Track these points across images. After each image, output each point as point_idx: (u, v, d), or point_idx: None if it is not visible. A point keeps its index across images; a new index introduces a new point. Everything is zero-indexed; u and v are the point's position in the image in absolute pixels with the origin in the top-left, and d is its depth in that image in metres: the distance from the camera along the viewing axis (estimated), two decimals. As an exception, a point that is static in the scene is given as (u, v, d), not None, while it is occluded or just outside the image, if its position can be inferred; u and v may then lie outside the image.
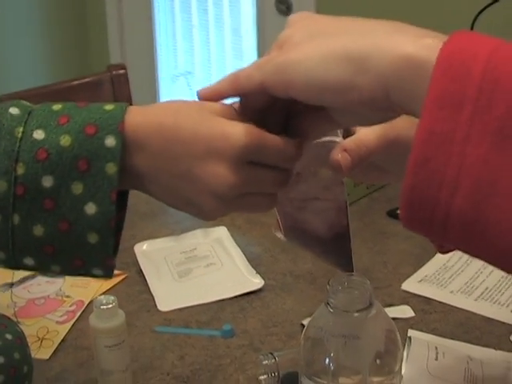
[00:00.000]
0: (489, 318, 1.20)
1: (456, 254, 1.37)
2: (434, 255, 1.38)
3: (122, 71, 2.07)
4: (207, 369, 1.11)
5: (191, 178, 0.68)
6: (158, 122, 0.68)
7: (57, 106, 0.70)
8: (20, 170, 0.66)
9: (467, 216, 0.52)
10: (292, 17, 0.66)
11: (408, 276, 1.32)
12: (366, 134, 0.76)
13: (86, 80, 2.06)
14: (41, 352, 1.15)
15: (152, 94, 3.41)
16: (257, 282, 1.30)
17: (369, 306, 0.74)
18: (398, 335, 0.77)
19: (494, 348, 1.12)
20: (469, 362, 1.04)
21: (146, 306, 1.27)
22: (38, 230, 0.67)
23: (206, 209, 0.69)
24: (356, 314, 0.74)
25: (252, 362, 1.11)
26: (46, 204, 0.67)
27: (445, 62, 0.52)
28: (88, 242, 0.68)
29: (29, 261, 0.70)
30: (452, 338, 1.14)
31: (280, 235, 0.81)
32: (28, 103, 0.71)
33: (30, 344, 1.05)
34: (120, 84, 2.07)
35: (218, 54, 3.28)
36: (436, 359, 1.03)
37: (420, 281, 1.30)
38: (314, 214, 0.80)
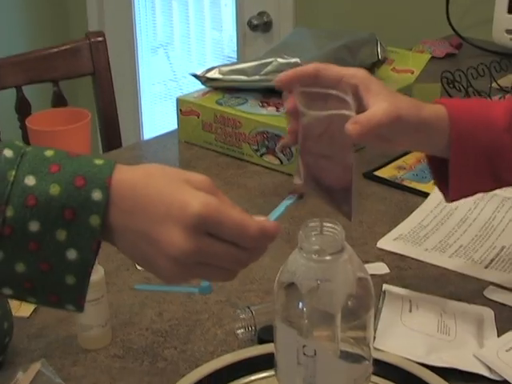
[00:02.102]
0: (463, 274, 1.22)
1: (431, 214, 1.39)
2: (409, 215, 1.40)
3: (100, 38, 2.07)
4: (185, 324, 1.12)
5: (150, 239, 0.72)
6: (133, 181, 0.73)
7: (49, 152, 0.73)
8: (9, 213, 0.70)
9: None
10: None
11: (383, 234, 1.34)
12: (375, 111, 0.92)
13: (65, 47, 2.05)
14: (21, 310, 1.16)
15: (131, 64, 3.40)
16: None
17: (341, 250, 0.76)
18: (370, 281, 0.79)
19: (468, 302, 1.14)
20: (442, 314, 1.06)
21: (125, 264, 1.28)
22: (20, 267, 0.72)
23: (163, 271, 0.75)
24: (328, 258, 0.75)
25: (229, 317, 1.13)
26: (31, 246, 0.71)
27: None
28: (66, 282, 0.73)
29: (7, 291, 0.74)
30: (426, 293, 1.16)
31: (298, 181, 0.94)
32: (21, 144, 0.74)
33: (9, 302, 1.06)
34: (98, 52, 2.07)
35: (197, 26, 3.28)
36: (410, 311, 1.05)
37: (395, 239, 1.32)
38: (328, 169, 0.95)
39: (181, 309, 1.16)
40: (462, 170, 1.00)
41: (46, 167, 0.71)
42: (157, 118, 3.54)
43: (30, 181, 0.70)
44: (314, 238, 0.77)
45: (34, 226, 0.70)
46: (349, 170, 0.91)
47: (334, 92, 0.89)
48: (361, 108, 0.94)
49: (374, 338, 1.01)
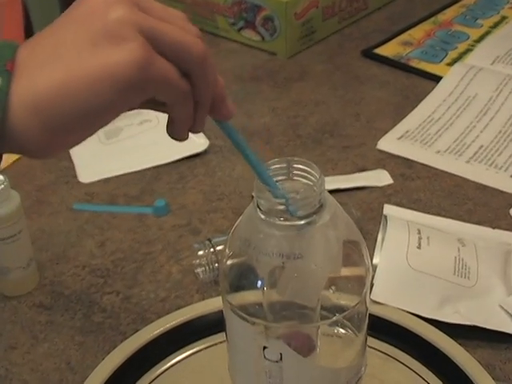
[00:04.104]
0: (484, 186, 0.97)
1: (444, 104, 1.12)
2: (416, 105, 1.13)
3: None
4: (132, 259, 0.89)
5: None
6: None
7: None
8: None
9: None
10: None
11: (385, 132, 1.08)
12: None
13: None
14: None
15: None
16: (200, 143, 1.06)
17: (319, 208, 0.50)
18: (365, 248, 0.54)
19: (491, 226, 0.89)
20: (460, 248, 0.82)
21: (64, 176, 1.03)
22: None
23: (113, 16, 0.48)
24: (299, 223, 0.49)
25: (188, 249, 0.89)
26: None
27: None
28: None
29: None
30: (438, 214, 0.92)
31: None
32: None
33: None
34: None
35: None
36: (419, 247, 0.81)
37: (400, 137, 1.06)
38: None
39: (128, 237, 0.92)
40: None
41: None
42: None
43: None
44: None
45: None
46: None
47: None
48: None
49: (372, 286, 0.78)
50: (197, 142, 1.06)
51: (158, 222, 0.94)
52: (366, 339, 0.57)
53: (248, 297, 0.52)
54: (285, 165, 0.52)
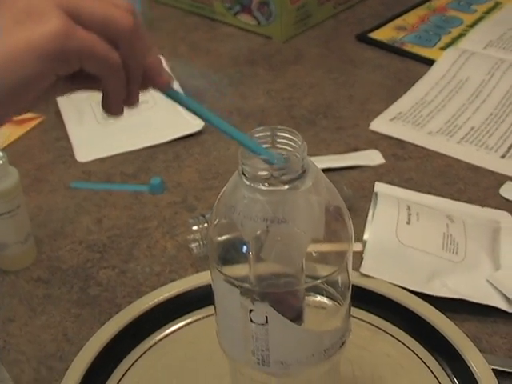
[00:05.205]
0: (474, 166, 0.99)
1: (436, 86, 1.14)
2: (410, 88, 1.15)
3: None
4: (128, 235, 0.90)
5: None
6: None
7: None
8: None
9: None
10: None
11: (378, 113, 1.10)
12: None
13: None
14: None
15: None
16: (196, 124, 1.07)
17: (301, 174, 0.52)
18: (347, 213, 0.55)
19: (481, 205, 0.91)
20: (449, 224, 0.84)
21: (62, 155, 1.05)
22: None
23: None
24: (283, 188, 0.51)
25: (183, 225, 0.91)
26: None
27: None
28: None
29: None
30: (429, 193, 0.93)
31: None
32: None
33: None
34: None
35: None
36: (408, 223, 0.83)
37: (392, 119, 1.08)
38: None
39: (125, 214, 0.94)
40: None
41: None
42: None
43: None
44: (260, 158, 0.52)
45: None
46: None
47: None
48: None
49: (362, 260, 0.79)
50: (192, 123, 1.07)
51: (153, 200, 0.96)
52: (350, 307, 0.59)
53: (234, 261, 0.54)
54: (269, 133, 0.54)
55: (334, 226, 0.54)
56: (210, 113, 0.54)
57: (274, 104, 1.13)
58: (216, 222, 0.54)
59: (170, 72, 0.56)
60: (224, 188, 0.54)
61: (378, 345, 0.73)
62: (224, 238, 0.54)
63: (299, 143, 0.52)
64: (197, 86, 1.19)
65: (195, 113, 0.55)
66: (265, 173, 0.51)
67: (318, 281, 0.54)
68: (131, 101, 0.55)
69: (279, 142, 0.53)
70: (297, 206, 0.51)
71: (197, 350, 0.73)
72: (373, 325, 0.75)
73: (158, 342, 0.74)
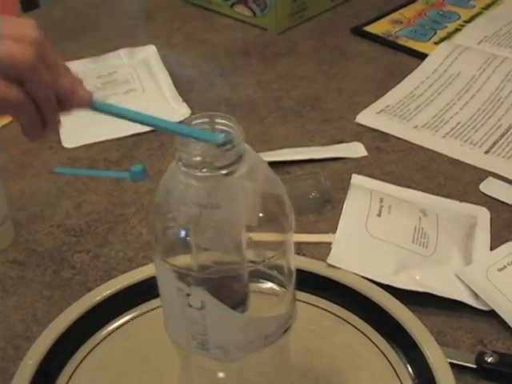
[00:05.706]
0: (457, 161, 0.98)
1: (427, 81, 1.14)
2: (401, 81, 1.15)
3: None
4: (105, 220, 0.91)
5: None
6: None
7: None
8: None
9: None
10: None
11: (366, 106, 1.09)
12: None
13: None
14: None
15: None
16: (182, 113, 1.08)
17: (236, 160, 0.52)
18: (286, 200, 0.55)
19: (459, 199, 0.91)
20: (421, 218, 0.84)
21: (49, 141, 1.06)
22: None
23: None
24: (217, 173, 0.51)
25: (161, 213, 0.91)
26: None
27: None
28: None
29: None
30: (409, 187, 0.93)
31: None
32: None
33: None
34: None
35: None
36: (379, 215, 0.83)
37: (379, 112, 1.08)
38: None
39: (104, 199, 0.94)
40: None
41: None
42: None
43: None
44: (195, 144, 0.52)
45: None
46: None
47: None
48: None
49: (330, 250, 0.80)
50: (179, 112, 1.08)
51: (134, 187, 0.96)
52: (295, 293, 0.59)
53: (172, 245, 0.54)
54: (207, 119, 0.54)
55: (271, 214, 0.54)
56: (148, 116, 0.55)
57: (263, 95, 1.14)
58: (156, 206, 0.55)
59: (86, 88, 0.56)
60: (165, 174, 0.55)
61: (340, 335, 0.73)
62: (163, 221, 0.55)
63: (235, 128, 0.52)
64: (187, 76, 1.19)
65: (130, 119, 0.55)
66: (199, 158, 0.51)
67: (255, 267, 0.54)
68: (50, 126, 0.55)
69: (217, 129, 0.54)
70: (231, 192, 0.51)
71: (160, 334, 0.74)
72: (336, 315, 0.75)
73: (122, 325, 0.75)
